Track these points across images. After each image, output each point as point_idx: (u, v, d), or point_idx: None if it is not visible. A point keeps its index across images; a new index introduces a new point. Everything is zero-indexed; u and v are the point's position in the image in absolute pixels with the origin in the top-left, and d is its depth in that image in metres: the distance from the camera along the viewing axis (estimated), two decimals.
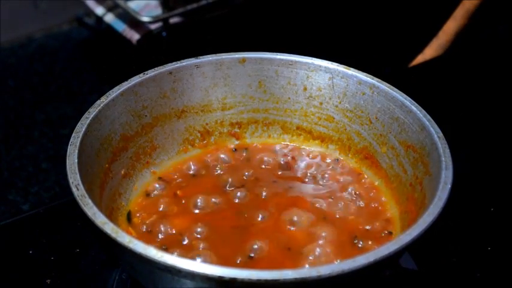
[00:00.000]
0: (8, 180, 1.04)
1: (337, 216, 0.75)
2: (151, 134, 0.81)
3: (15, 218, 0.93)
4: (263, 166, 0.82)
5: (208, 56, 0.83)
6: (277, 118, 0.86)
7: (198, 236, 0.72)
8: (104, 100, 0.75)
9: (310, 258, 0.69)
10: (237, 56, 0.83)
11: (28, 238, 0.86)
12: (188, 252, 0.69)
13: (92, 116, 0.72)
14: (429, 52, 1.20)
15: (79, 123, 0.71)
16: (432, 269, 0.80)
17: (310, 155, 0.84)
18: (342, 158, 0.83)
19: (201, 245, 0.70)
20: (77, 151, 0.67)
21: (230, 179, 0.79)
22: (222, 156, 0.83)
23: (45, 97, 1.22)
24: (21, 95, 1.23)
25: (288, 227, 0.73)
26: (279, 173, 0.81)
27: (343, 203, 0.77)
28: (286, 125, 0.85)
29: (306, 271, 0.55)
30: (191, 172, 0.82)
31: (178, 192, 0.79)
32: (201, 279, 0.56)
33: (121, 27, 1.17)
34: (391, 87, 0.78)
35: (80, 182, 0.64)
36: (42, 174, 1.04)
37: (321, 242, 0.71)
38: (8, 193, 1.01)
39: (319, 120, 0.84)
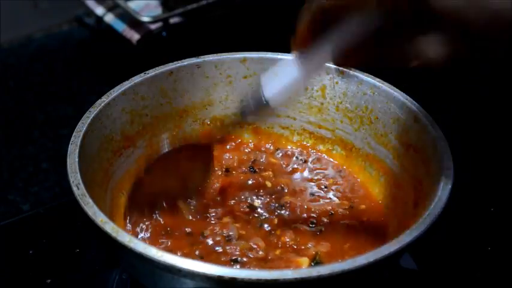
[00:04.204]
0: (8, 180, 1.03)
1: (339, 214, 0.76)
2: (152, 134, 0.81)
3: (15, 218, 0.93)
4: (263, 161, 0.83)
5: (209, 55, 0.83)
6: (278, 119, 0.86)
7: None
8: (105, 99, 0.75)
9: None
10: (238, 55, 0.83)
11: (28, 238, 0.86)
12: None
13: (92, 115, 0.72)
14: None
15: (80, 122, 0.71)
16: (432, 269, 0.80)
17: (311, 155, 0.84)
18: (341, 158, 0.83)
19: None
20: (77, 150, 0.67)
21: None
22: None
23: (45, 97, 1.21)
24: (21, 95, 1.23)
25: None
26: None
27: (342, 202, 0.77)
28: (287, 125, 0.86)
29: (306, 271, 0.55)
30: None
31: None
32: (201, 278, 0.56)
33: (121, 27, 1.17)
34: (392, 87, 0.78)
35: (80, 181, 0.64)
36: (42, 174, 1.04)
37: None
38: (8, 193, 1.00)
39: (320, 120, 0.84)
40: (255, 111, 0.71)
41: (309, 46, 0.67)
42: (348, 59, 0.67)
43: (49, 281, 0.80)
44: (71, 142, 0.69)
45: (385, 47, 0.62)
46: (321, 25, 0.65)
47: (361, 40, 0.63)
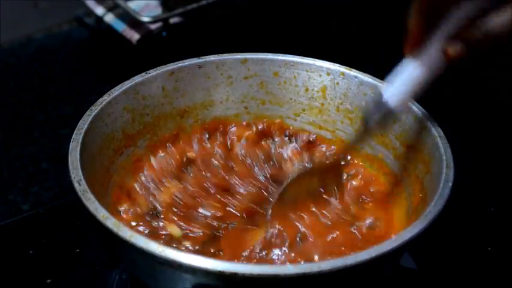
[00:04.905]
0: (8, 180, 1.03)
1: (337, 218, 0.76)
2: (153, 133, 0.81)
3: (15, 218, 0.93)
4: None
5: (210, 56, 0.83)
6: (279, 119, 0.86)
7: None
8: (106, 98, 0.75)
9: None
10: (238, 56, 0.84)
11: (28, 238, 0.86)
12: None
13: (94, 113, 0.73)
14: None
15: (81, 120, 0.71)
16: (432, 269, 0.80)
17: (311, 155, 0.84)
18: (342, 159, 0.83)
19: None
20: (79, 147, 0.67)
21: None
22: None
23: (45, 97, 1.21)
24: (21, 95, 1.23)
25: None
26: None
27: (344, 203, 0.77)
28: (287, 126, 0.86)
29: (307, 266, 0.55)
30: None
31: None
32: (202, 273, 0.56)
33: (121, 27, 1.17)
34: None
35: (82, 178, 0.64)
36: (42, 174, 1.04)
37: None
38: (8, 193, 1.00)
39: (320, 121, 0.84)
40: (379, 119, 0.71)
41: (423, 43, 0.68)
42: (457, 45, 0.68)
43: (49, 281, 0.80)
44: (72, 139, 0.69)
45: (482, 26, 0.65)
46: (431, 19, 0.67)
47: (466, 24, 0.65)
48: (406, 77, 0.69)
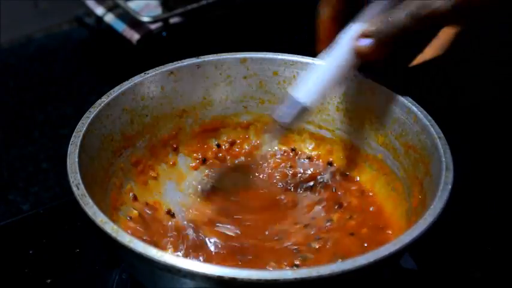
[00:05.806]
0: (8, 180, 1.04)
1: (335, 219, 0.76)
2: (152, 134, 0.81)
3: (15, 218, 0.93)
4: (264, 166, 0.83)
5: (209, 55, 0.83)
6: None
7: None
8: (104, 99, 0.75)
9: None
10: (238, 56, 0.83)
11: (28, 238, 0.86)
12: None
13: (92, 115, 0.72)
14: (429, 52, 1.20)
15: (80, 122, 0.71)
16: (432, 269, 0.80)
17: (310, 155, 0.84)
18: (341, 158, 0.83)
19: None
20: (77, 150, 0.67)
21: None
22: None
23: (45, 97, 1.22)
24: (21, 95, 1.23)
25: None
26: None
27: (341, 203, 0.77)
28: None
29: (306, 271, 0.55)
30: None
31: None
32: (201, 278, 0.56)
33: (121, 27, 1.17)
34: (392, 87, 0.77)
35: (80, 182, 0.64)
36: (42, 174, 1.04)
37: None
38: (8, 193, 1.01)
39: (320, 121, 0.84)
40: (295, 118, 0.73)
41: (334, 40, 0.69)
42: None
43: (49, 281, 0.80)
44: (70, 142, 0.69)
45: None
46: (343, 14, 0.68)
47: (376, 19, 0.67)
48: (319, 76, 0.72)
